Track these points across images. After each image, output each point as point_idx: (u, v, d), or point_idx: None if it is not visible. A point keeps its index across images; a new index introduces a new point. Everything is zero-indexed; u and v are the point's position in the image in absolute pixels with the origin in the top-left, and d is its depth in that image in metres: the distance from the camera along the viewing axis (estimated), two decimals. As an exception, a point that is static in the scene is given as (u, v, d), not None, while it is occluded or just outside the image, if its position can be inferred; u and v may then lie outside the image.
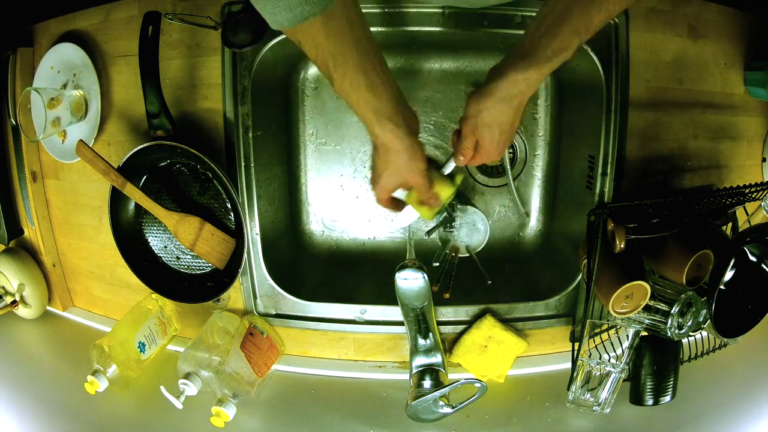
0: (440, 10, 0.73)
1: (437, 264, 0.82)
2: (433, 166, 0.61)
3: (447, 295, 0.78)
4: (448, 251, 0.85)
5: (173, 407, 0.69)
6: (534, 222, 0.95)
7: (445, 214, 0.85)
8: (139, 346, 0.76)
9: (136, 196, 0.73)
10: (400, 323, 0.78)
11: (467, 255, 0.85)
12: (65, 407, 0.75)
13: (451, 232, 0.86)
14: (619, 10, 0.48)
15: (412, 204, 0.63)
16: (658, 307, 0.68)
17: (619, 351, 0.72)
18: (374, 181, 0.59)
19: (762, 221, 0.80)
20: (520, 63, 0.50)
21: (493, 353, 0.78)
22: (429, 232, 0.82)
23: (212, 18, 0.74)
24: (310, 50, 0.47)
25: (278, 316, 0.81)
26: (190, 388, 0.70)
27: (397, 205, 0.64)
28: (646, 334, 0.72)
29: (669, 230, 0.65)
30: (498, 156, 0.59)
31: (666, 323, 0.66)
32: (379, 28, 0.74)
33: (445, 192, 0.61)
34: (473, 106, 0.54)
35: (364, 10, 0.71)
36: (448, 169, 0.62)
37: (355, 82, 0.49)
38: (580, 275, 0.77)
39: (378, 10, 0.73)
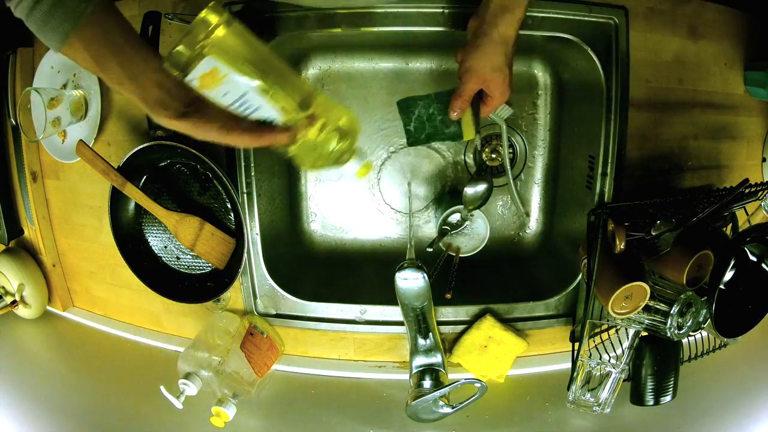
0: (440, 10, 0.72)
1: (430, 249, 0.83)
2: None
3: (448, 296, 0.78)
4: (444, 249, 0.85)
5: (173, 407, 0.69)
6: (534, 222, 0.95)
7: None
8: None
9: (136, 196, 0.73)
10: (400, 323, 0.78)
11: (468, 255, 0.85)
12: (65, 407, 0.75)
13: (450, 232, 0.86)
14: None
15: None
16: (658, 307, 0.68)
17: (619, 351, 0.72)
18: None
19: (762, 221, 0.80)
20: (503, 13, 0.57)
21: (493, 353, 0.78)
22: (431, 245, 0.83)
23: (212, 18, 0.74)
24: (78, 60, 0.51)
25: (278, 316, 0.81)
26: (190, 388, 0.70)
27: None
28: (646, 334, 0.72)
29: (674, 230, 0.65)
30: (506, 98, 0.64)
31: (666, 323, 0.66)
32: (380, 28, 0.74)
33: (468, 130, 0.65)
34: (477, 59, 0.60)
35: (367, 10, 0.72)
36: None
37: (118, 77, 0.52)
38: (580, 275, 0.77)
39: (378, 10, 0.73)
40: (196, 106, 0.53)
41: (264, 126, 0.49)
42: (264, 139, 0.49)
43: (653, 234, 0.64)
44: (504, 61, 0.59)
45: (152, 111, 0.53)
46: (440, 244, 0.85)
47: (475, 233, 0.86)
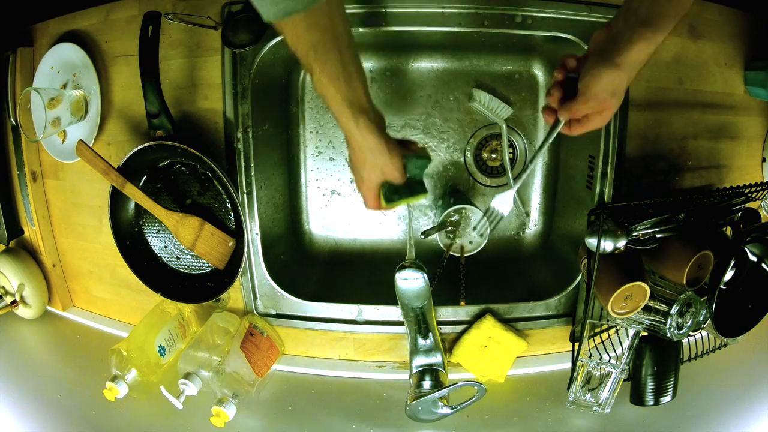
0: (440, 10, 0.73)
1: (423, 237, 0.82)
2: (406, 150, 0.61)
3: (463, 303, 0.78)
4: (446, 250, 0.85)
5: (173, 407, 0.69)
6: (534, 222, 0.95)
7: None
8: (159, 350, 0.76)
9: (136, 196, 0.73)
10: (400, 323, 0.78)
11: (468, 254, 0.85)
12: (65, 407, 0.75)
13: (452, 234, 0.86)
14: None
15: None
16: (658, 307, 0.68)
17: (619, 351, 0.72)
18: (358, 183, 0.61)
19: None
20: (646, 29, 0.48)
21: (493, 353, 0.78)
22: (426, 233, 0.82)
23: (212, 18, 0.74)
24: (292, 40, 0.50)
25: (278, 316, 0.81)
26: (190, 388, 0.70)
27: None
28: (646, 334, 0.72)
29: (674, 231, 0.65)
30: (609, 117, 0.56)
31: (665, 323, 0.66)
32: (382, 28, 0.74)
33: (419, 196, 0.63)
34: (605, 79, 0.51)
35: (366, 10, 0.72)
36: (550, 138, 0.59)
37: (334, 74, 0.52)
38: (580, 275, 0.77)
39: (381, 10, 0.73)
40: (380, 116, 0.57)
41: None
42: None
43: (635, 233, 0.64)
44: (627, 85, 0.52)
45: (355, 116, 0.53)
46: (442, 244, 0.85)
47: (475, 233, 0.85)
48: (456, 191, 0.92)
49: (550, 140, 0.59)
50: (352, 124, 0.54)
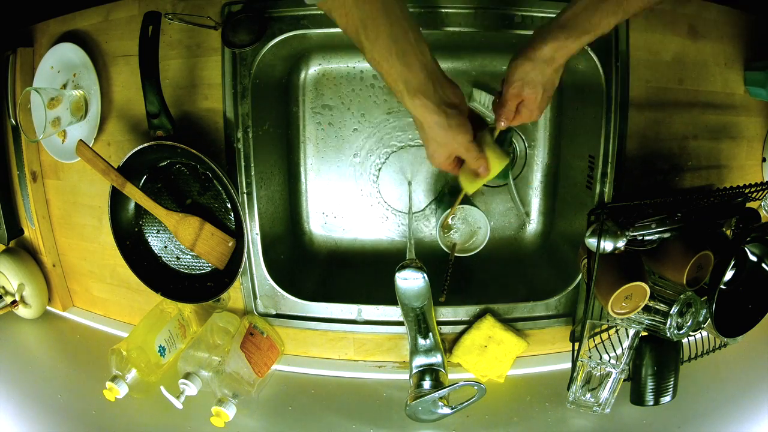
0: (440, 10, 0.73)
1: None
2: (488, 132, 0.60)
3: (442, 299, 0.78)
4: (450, 252, 0.84)
5: (173, 407, 0.69)
6: (534, 222, 0.95)
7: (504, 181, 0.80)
8: (159, 350, 0.75)
9: (136, 196, 0.73)
10: (400, 323, 0.78)
11: (469, 254, 0.85)
12: (65, 407, 0.75)
13: (453, 232, 0.86)
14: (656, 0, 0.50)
15: (460, 174, 0.62)
16: (658, 307, 0.68)
17: (619, 351, 0.72)
18: (427, 154, 0.60)
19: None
20: (559, 33, 0.53)
21: (493, 353, 0.78)
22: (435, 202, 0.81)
23: (212, 18, 0.74)
24: (341, 18, 0.49)
25: (278, 316, 0.81)
26: (190, 388, 0.70)
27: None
28: (646, 334, 0.72)
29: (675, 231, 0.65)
30: (539, 114, 0.61)
31: (665, 323, 0.66)
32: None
33: (496, 163, 0.59)
34: (519, 69, 0.56)
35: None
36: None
37: (386, 50, 0.50)
38: (580, 275, 0.77)
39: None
40: (459, 108, 0.55)
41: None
42: (477, 163, 0.59)
43: (635, 233, 0.64)
44: (542, 80, 0.56)
45: (410, 94, 0.52)
46: (443, 245, 0.84)
47: (475, 233, 0.85)
48: (455, 191, 0.92)
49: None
50: (408, 103, 0.53)
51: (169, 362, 0.78)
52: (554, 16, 0.55)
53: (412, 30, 0.51)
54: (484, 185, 0.87)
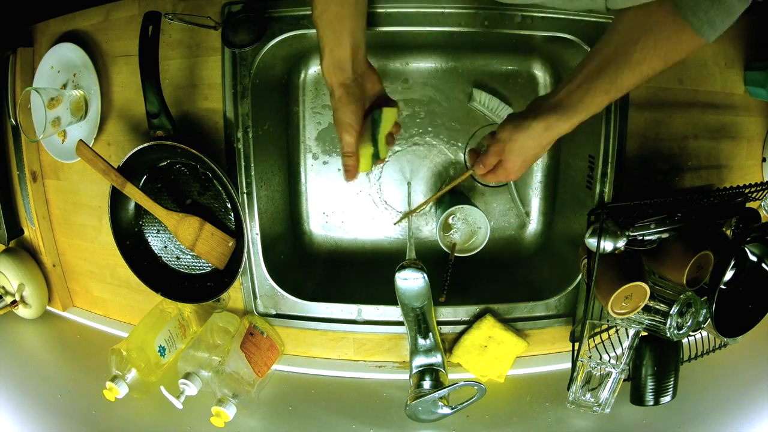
0: (440, 10, 0.73)
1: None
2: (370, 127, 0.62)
3: (442, 299, 0.78)
4: (450, 252, 0.84)
5: (173, 407, 0.69)
6: (534, 222, 0.95)
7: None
8: (159, 350, 0.75)
9: (136, 196, 0.73)
10: (400, 323, 0.78)
11: (468, 254, 0.85)
12: (65, 407, 0.75)
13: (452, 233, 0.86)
14: (652, 73, 0.52)
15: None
16: (658, 307, 0.68)
17: (619, 351, 0.72)
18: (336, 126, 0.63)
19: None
20: (552, 113, 0.55)
21: (493, 353, 0.78)
22: (397, 223, 0.83)
23: (212, 18, 0.74)
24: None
25: (278, 316, 0.81)
26: (190, 388, 0.70)
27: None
28: (646, 334, 0.72)
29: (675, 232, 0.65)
30: (513, 179, 0.65)
31: (665, 323, 0.66)
32: (381, 28, 0.74)
33: (364, 162, 0.62)
34: (507, 133, 0.59)
35: (367, 11, 0.72)
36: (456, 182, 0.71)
37: (327, 22, 0.56)
38: (580, 275, 0.77)
39: (379, 10, 0.73)
40: (363, 93, 0.60)
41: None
42: (349, 152, 0.61)
43: (635, 233, 0.64)
44: (527, 152, 0.59)
45: (326, 60, 0.57)
46: (443, 245, 0.84)
47: (475, 233, 0.85)
48: (456, 191, 0.92)
49: (455, 183, 0.69)
50: (325, 70, 0.58)
51: (169, 362, 0.78)
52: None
53: (356, 16, 0.56)
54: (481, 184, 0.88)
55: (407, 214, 0.78)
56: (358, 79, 0.59)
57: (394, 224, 0.90)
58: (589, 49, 0.72)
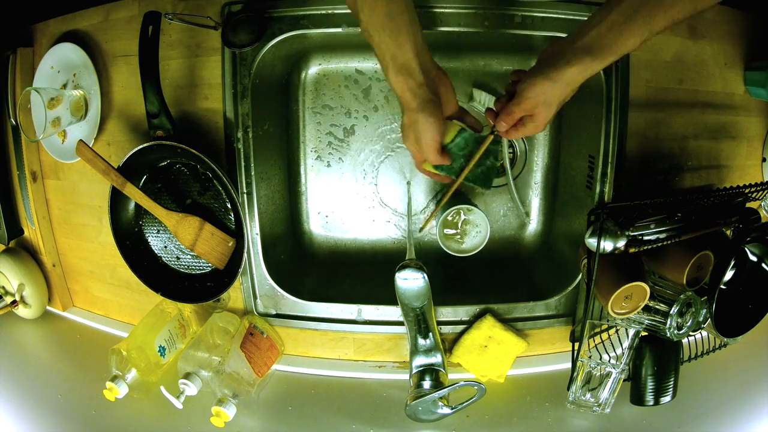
0: (440, 10, 0.73)
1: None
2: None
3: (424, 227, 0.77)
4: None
5: (173, 407, 0.69)
6: (534, 222, 0.95)
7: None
8: (159, 350, 0.75)
9: (136, 196, 0.73)
10: (400, 323, 0.78)
11: (469, 254, 0.85)
12: (65, 407, 0.75)
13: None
14: (681, 17, 0.51)
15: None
16: (658, 307, 0.68)
17: (619, 351, 0.72)
18: (402, 138, 0.62)
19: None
20: (586, 55, 0.53)
21: (493, 353, 0.78)
22: (421, 228, 0.83)
23: (212, 18, 0.74)
24: (365, 13, 0.51)
25: (278, 316, 0.81)
26: (190, 388, 0.70)
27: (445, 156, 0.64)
28: (646, 334, 0.72)
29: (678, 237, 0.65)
30: (540, 131, 0.61)
31: (665, 323, 0.66)
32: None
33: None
34: (536, 87, 0.56)
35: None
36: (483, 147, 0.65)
37: (380, 25, 0.52)
38: (580, 275, 0.77)
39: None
40: (437, 98, 0.58)
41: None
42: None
43: (635, 233, 0.64)
44: (559, 100, 0.57)
45: (395, 70, 0.54)
46: (443, 246, 0.84)
47: (475, 232, 0.85)
48: (455, 191, 0.92)
49: (483, 148, 0.64)
50: (392, 78, 0.55)
51: (169, 362, 0.78)
52: (564, 34, 0.55)
53: (408, 11, 0.53)
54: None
55: (432, 216, 0.76)
56: (431, 84, 0.57)
57: (420, 231, 0.86)
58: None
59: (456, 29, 0.74)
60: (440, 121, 0.59)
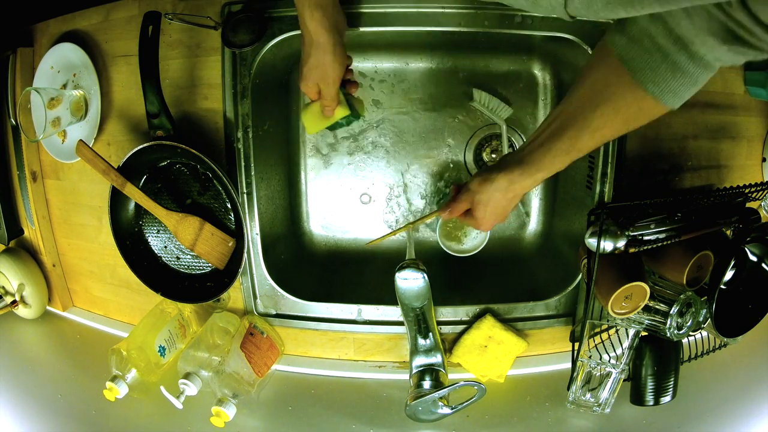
0: (440, 11, 0.73)
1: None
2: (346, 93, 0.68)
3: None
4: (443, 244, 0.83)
5: (173, 407, 0.69)
6: (534, 222, 0.95)
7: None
8: (159, 350, 0.75)
9: (136, 196, 0.73)
10: (400, 323, 0.78)
11: (469, 255, 0.85)
12: (65, 407, 0.75)
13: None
14: (611, 137, 0.53)
15: (307, 112, 0.70)
16: (658, 307, 0.68)
17: (619, 351, 0.72)
18: (300, 77, 0.64)
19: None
20: (516, 168, 0.57)
21: (493, 353, 0.78)
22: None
23: (212, 18, 0.74)
24: None
25: (278, 316, 0.81)
26: (190, 388, 0.70)
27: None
28: (646, 334, 0.72)
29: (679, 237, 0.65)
30: (485, 229, 0.67)
31: (665, 323, 0.66)
32: (381, 28, 0.74)
33: (340, 112, 0.68)
34: (476, 184, 0.62)
35: (366, 10, 0.72)
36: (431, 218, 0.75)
37: None
38: (580, 275, 0.77)
39: (379, 10, 0.73)
40: (343, 37, 0.61)
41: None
42: (329, 103, 0.65)
43: (635, 233, 0.64)
44: (494, 204, 0.62)
45: (311, 7, 0.55)
46: (443, 246, 0.84)
47: (476, 233, 0.86)
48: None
49: (426, 221, 0.72)
50: (306, 15, 0.56)
51: (169, 362, 0.78)
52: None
53: None
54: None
55: (381, 239, 0.80)
56: (342, 29, 0.60)
57: (366, 245, 0.88)
58: (589, 49, 0.72)
59: (456, 29, 0.74)
60: (346, 62, 0.62)
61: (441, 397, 0.65)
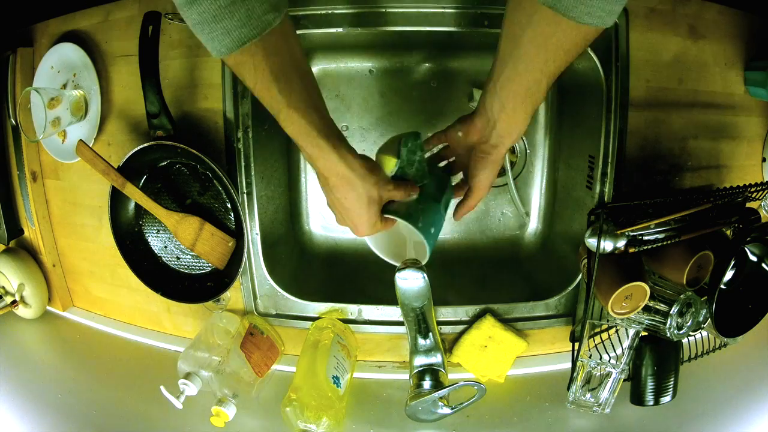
0: (440, 10, 0.72)
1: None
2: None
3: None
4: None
5: (173, 407, 0.69)
6: (534, 222, 0.95)
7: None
8: (333, 381, 0.69)
9: (136, 196, 0.73)
10: (400, 323, 0.78)
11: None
12: (65, 407, 0.75)
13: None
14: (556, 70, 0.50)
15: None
16: (658, 307, 0.68)
17: (619, 351, 0.72)
18: (347, 216, 0.56)
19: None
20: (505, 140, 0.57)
21: (493, 353, 0.78)
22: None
23: (212, 18, 0.74)
24: (250, 74, 0.45)
25: (278, 316, 0.81)
26: (190, 388, 0.70)
27: (387, 222, 0.59)
28: (646, 334, 0.72)
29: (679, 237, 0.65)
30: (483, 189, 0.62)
31: (665, 323, 0.66)
32: (381, 28, 0.74)
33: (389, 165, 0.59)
34: (487, 179, 0.60)
35: (363, 9, 0.72)
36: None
37: (302, 103, 0.48)
38: (580, 275, 0.77)
39: (380, 10, 0.73)
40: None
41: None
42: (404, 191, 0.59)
43: (635, 233, 0.64)
44: (496, 173, 0.60)
45: (334, 148, 0.50)
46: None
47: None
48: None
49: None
50: (334, 156, 0.49)
51: (347, 389, 0.72)
52: None
53: (316, 83, 0.51)
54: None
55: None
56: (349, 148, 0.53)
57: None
58: (588, 49, 0.72)
59: (456, 29, 0.74)
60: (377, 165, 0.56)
61: (441, 397, 0.65)
